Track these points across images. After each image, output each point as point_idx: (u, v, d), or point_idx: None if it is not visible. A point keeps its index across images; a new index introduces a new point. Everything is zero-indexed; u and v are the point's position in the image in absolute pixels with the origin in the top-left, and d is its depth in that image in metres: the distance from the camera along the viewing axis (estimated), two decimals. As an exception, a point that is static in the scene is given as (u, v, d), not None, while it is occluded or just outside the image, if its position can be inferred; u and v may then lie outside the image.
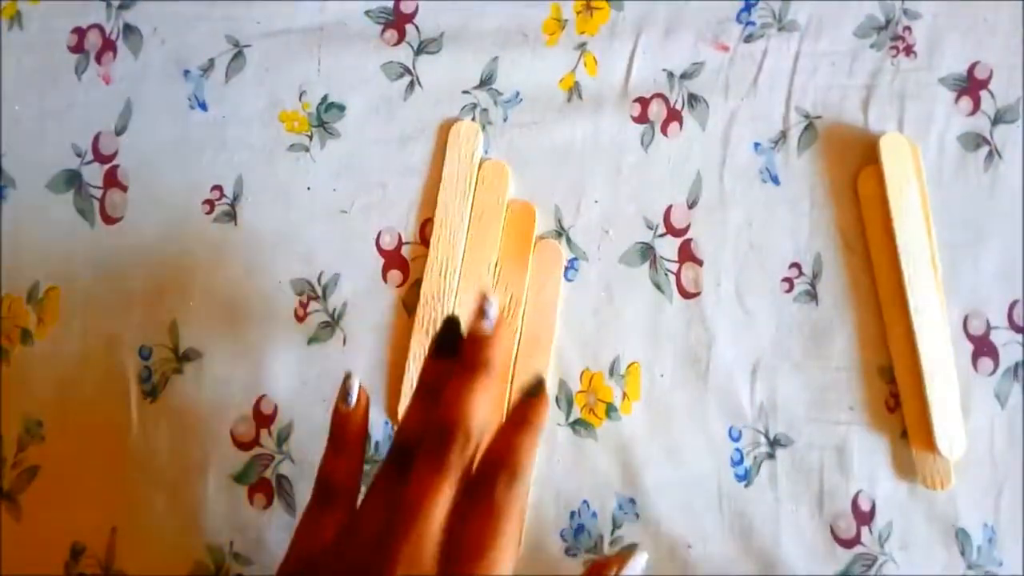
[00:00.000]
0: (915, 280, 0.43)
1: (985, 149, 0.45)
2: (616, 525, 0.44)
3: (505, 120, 0.48)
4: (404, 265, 0.47)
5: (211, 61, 0.50)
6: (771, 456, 0.44)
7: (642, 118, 0.47)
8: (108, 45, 0.51)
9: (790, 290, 0.45)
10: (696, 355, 0.45)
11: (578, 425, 0.45)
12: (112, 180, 0.50)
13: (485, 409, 0.30)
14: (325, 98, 0.49)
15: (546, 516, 0.44)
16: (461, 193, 0.46)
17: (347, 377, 0.34)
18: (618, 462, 0.44)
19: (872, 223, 0.45)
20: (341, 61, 0.49)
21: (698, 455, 0.44)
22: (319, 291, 0.47)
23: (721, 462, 0.44)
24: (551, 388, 0.45)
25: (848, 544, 0.43)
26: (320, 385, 0.46)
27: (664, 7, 0.48)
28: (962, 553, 0.42)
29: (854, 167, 0.45)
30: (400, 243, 0.47)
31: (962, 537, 0.42)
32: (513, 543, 0.29)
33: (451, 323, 0.34)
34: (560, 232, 0.47)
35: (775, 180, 0.46)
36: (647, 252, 0.46)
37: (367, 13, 0.49)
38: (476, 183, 0.47)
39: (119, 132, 0.50)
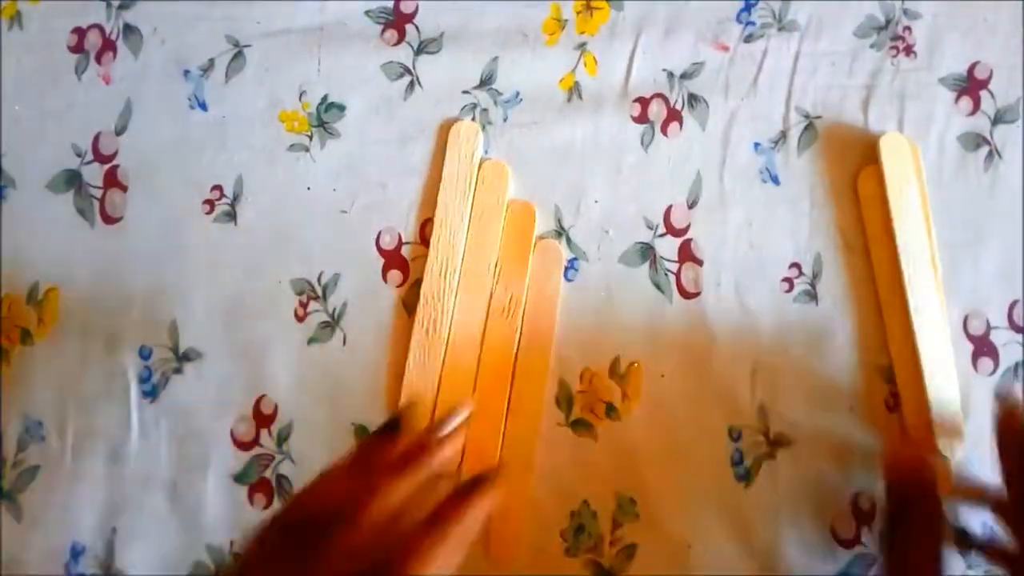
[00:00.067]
0: (915, 280, 0.43)
1: (985, 149, 0.45)
2: (616, 525, 0.44)
3: (505, 120, 0.48)
4: (404, 265, 0.47)
5: (211, 61, 0.50)
6: (771, 456, 0.44)
7: (642, 118, 0.47)
8: (108, 45, 0.51)
9: (790, 290, 0.45)
10: (696, 355, 0.45)
11: (578, 425, 0.45)
12: (112, 180, 0.50)
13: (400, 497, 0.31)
14: (325, 98, 0.49)
15: (546, 516, 0.44)
16: (461, 193, 0.46)
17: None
18: (618, 462, 0.44)
19: (872, 223, 0.45)
20: (341, 61, 0.49)
21: (698, 455, 0.44)
22: (319, 291, 0.47)
23: (721, 462, 0.44)
24: (551, 388, 0.45)
25: (848, 544, 0.43)
26: (320, 385, 0.46)
27: (664, 7, 0.48)
28: (962, 554, 0.42)
29: (854, 167, 0.45)
30: (400, 243, 0.47)
31: (962, 537, 0.42)
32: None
33: (394, 421, 0.36)
34: (560, 232, 0.47)
35: (775, 180, 0.46)
36: (647, 252, 0.46)
37: (367, 13, 0.49)
38: (476, 183, 0.47)
39: (119, 132, 0.50)
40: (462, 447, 0.32)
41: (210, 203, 0.49)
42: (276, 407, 0.47)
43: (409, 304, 0.46)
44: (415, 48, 0.49)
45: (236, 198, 0.48)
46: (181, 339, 0.48)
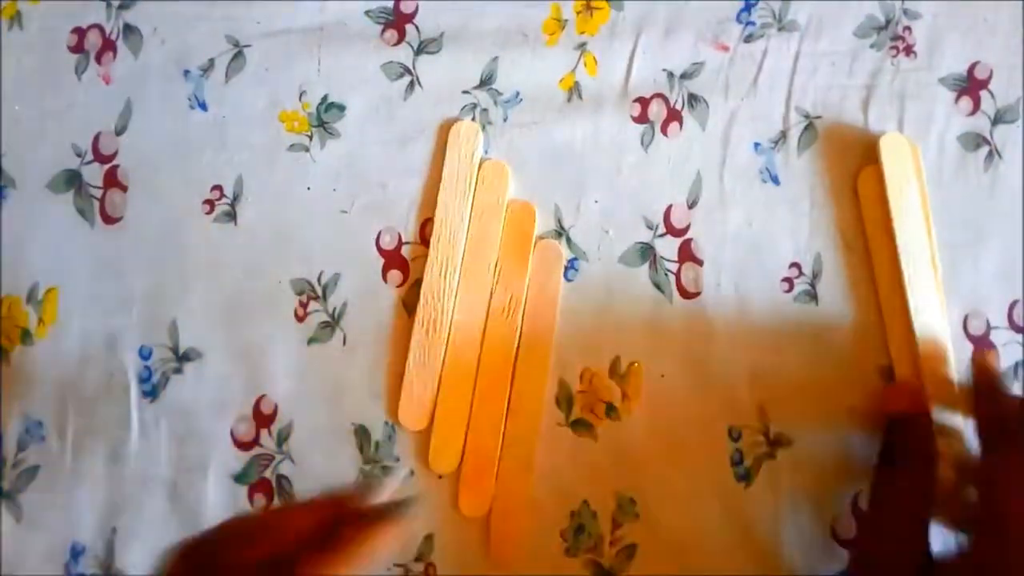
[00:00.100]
0: (915, 280, 0.43)
1: (985, 149, 0.45)
2: (616, 525, 0.44)
3: (505, 120, 0.48)
4: (404, 265, 0.47)
5: (211, 61, 0.50)
6: (771, 456, 0.44)
7: (642, 118, 0.47)
8: (108, 45, 0.51)
9: (790, 290, 0.45)
10: (696, 355, 0.45)
11: (578, 425, 0.45)
12: (112, 180, 0.50)
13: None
14: (325, 98, 0.49)
15: (546, 516, 0.44)
16: (461, 193, 0.46)
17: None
18: (618, 462, 0.44)
19: (872, 223, 0.44)
20: (341, 61, 0.49)
21: (698, 455, 0.44)
22: (319, 291, 0.47)
23: (721, 462, 0.44)
24: (551, 388, 0.45)
25: (848, 544, 0.43)
26: (320, 385, 0.46)
27: (664, 7, 0.48)
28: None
29: (854, 167, 0.45)
30: (400, 243, 0.47)
31: (962, 538, 0.42)
32: None
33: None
34: (560, 232, 0.47)
35: (775, 180, 0.46)
36: (647, 252, 0.46)
37: (367, 13, 0.49)
38: (476, 183, 0.47)
39: (119, 132, 0.50)
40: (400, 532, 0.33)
41: (210, 203, 0.49)
42: (276, 407, 0.47)
43: (409, 304, 0.46)
44: (415, 48, 0.49)
45: (236, 198, 0.48)
46: (181, 339, 0.48)
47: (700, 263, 0.46)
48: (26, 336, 0.49)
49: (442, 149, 0.47)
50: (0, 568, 0.47)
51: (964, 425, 0.40)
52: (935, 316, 0.43)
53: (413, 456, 0.45)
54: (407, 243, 0.47)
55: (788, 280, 0.45)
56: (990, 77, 0.46)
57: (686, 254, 0.46)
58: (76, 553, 0.47)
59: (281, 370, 0.47)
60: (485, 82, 0.48)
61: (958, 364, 0.43)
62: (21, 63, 0.51)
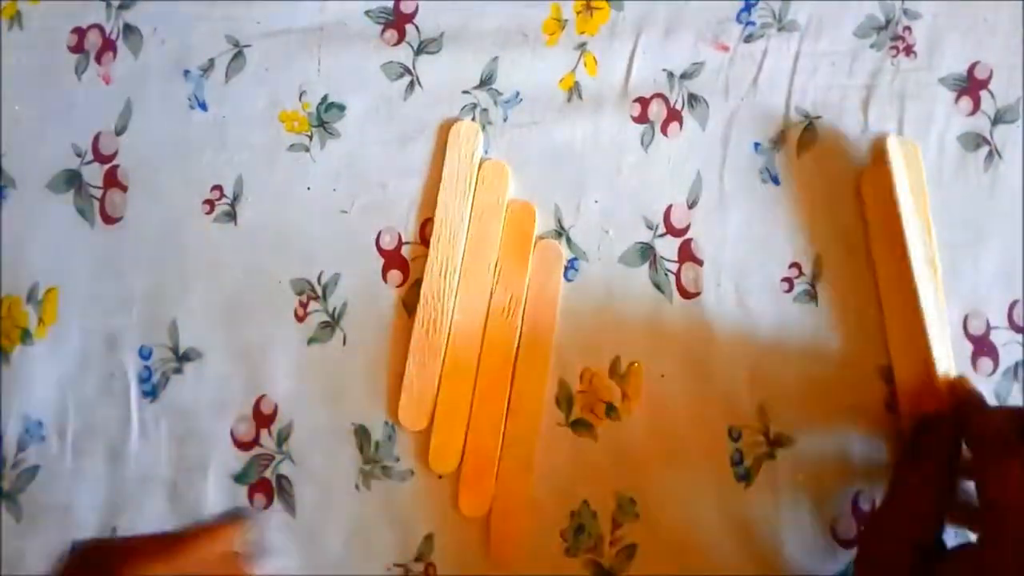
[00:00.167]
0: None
1: (985, 149, 0.45)
2: (616, 525, 0.44)
3: (505, 120, 0.48)
4: (404, 265, 0.47)
5: (211, 61, 0.50)
6: (771, 456, 0.44)
7: (642, 118, 0.47)
8: (108, 45, 0.51)
9: (790, 290, 0.45)
10: (696, 355, 0.45)
11: (578, 425, 0.45)
12: (112, 180, 0.50)
13: None
14: (325, 98, 0.49)
15: (546, 516, 0.44)
16: (461, 193, 0.46)
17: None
18: (618, 462, 0.44)
19: (872, 223, 0.44)
20: (341, 61, 0.49)
21: (698, 455, 0.44)
22: (319, 291, 0.47)
23: (721, 462, 0.44)
24: (551, 388, 0.45)
25: (848, 544, 0.43)
26: (320, 385, 0.46)
27: (664, 7, 0.48)
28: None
29: (854, 167, 0.45)
30: (400, 243, 0.47)
31: (961, 537, 0.42)
32: None
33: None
34: (560, 232, 0.47)
35: (775, 180, 0.46)
36: (647, 252, 0.46)
37: (367, 13, 0.49)
38: (476, 183, 0.47)
39: (119, 132, 0.50)
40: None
41: (210, 203, 0.49)
42: (276, 407, 0.47)
43: (409, 304, 0.46)
44: (415, 48, 0.49)
45: (236, 198, 0.48)
46: (181, 339, 0.48)
47: (700, 263, 0.46)
48: (26, 336, 0.49)
49: (442, 149, 0.47)
50: (0, 568, 0.47)
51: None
52: (935, 316, 0.43)
53: (413, 456, 0.45)
54: (407, 243, 0.47)
55: (788, 280, 0.45)
56: (990, 77, 0.46)
57: (686, 254, 0.46)
58: (76, 553, 0.47)
59: (281, 370, 0.47)
60: (485, 82, 0.48)
61: (958, 364, 0.43)
62: (21, 63, 0.51)
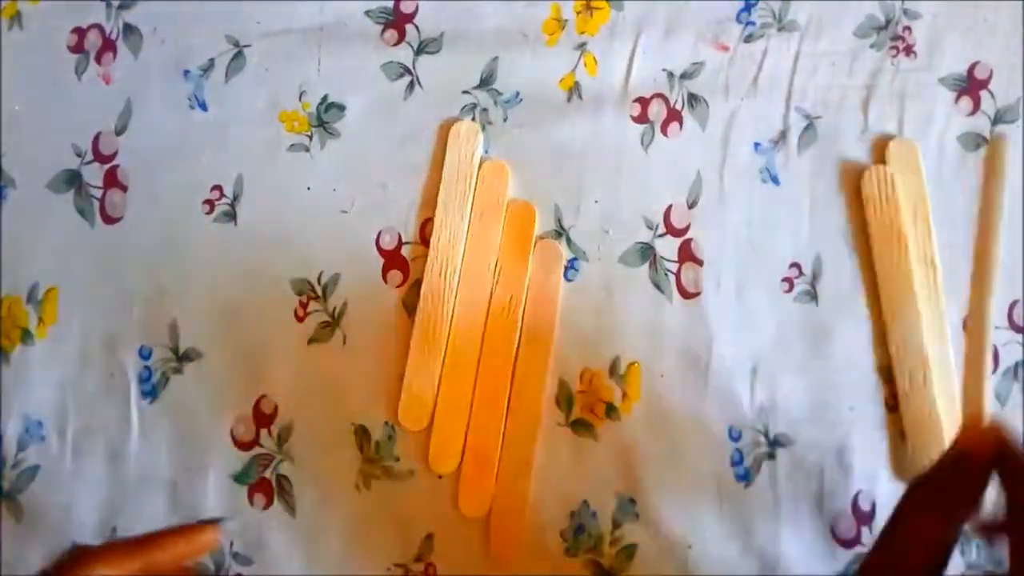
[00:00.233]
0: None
1: (985, 149, 0.45)
2: (616, 525, 0.44)
3: (505, 120, 0.48)
4: (404, 265, 0.47)
5: (211, 61, 0.50)
6: (771, 456, 0.44)
7: (642, 118, 0.47)
8: (108, 45, 0.51)
9: (790, 290, 0.45)
10: (696, 355, 0.45)
11: (578, 425, 0.45)
12: (112, 180, 0.50)
13: None
14: (325, 98, 0.49)
15: (546, 516, 0.44)
16: (461, 193, 0.46)
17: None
18: (618, 462, 0.44)
19: (872, 223, 0.44)
20: (341, 61, 0.49)
21: (698, 455, 0.44)
22: (319, 291, 0.47)
23: (721, 462, 0.44)
24: (551, 388, 0.45)
25: (848, 544, 0.43)
26: (320, 385, 0.46)
27: (664, 7, 0.48)
28: (962, 553, 0.42)
29: (854, 167, 0.45)
30: (400, 243, 0.47)
31: (962, 538, 0.42)
32: None
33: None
34: (560, 232, 0.47)
35: (775, 180, 0.46)
36: (647, 252, 0.46)
37: (367, 13, 0.49)
38: (476, 183, 0.47)
39: (119, 132, 0.50)
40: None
41: (210, 203, 0.49)
42: (276, 407, 0.47)
43: (409, 304, 0.46)
44: (415, 48, 0.49)
45: (236, 198, 0.48)
46: (181, 339, 0.48)
47: (700, 263, 0.46)
48: (26, 336, 0.49)
49: (442, 149, 0.47)
50: (0, 568, 0.47)
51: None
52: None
53: (413, 456, 0.45)
54: (407, 243, 0.47)
55: (788, 280, 0.45)
56: (990, 77, 0.46)
57: (686, 254, 0.46)
58: (76, 553, 0.47)
59: (281, 370, 0.47)
60: (485, 82, 0.48)
61: (958, 364, 0.43)
62: (21, 63, 0.51)
